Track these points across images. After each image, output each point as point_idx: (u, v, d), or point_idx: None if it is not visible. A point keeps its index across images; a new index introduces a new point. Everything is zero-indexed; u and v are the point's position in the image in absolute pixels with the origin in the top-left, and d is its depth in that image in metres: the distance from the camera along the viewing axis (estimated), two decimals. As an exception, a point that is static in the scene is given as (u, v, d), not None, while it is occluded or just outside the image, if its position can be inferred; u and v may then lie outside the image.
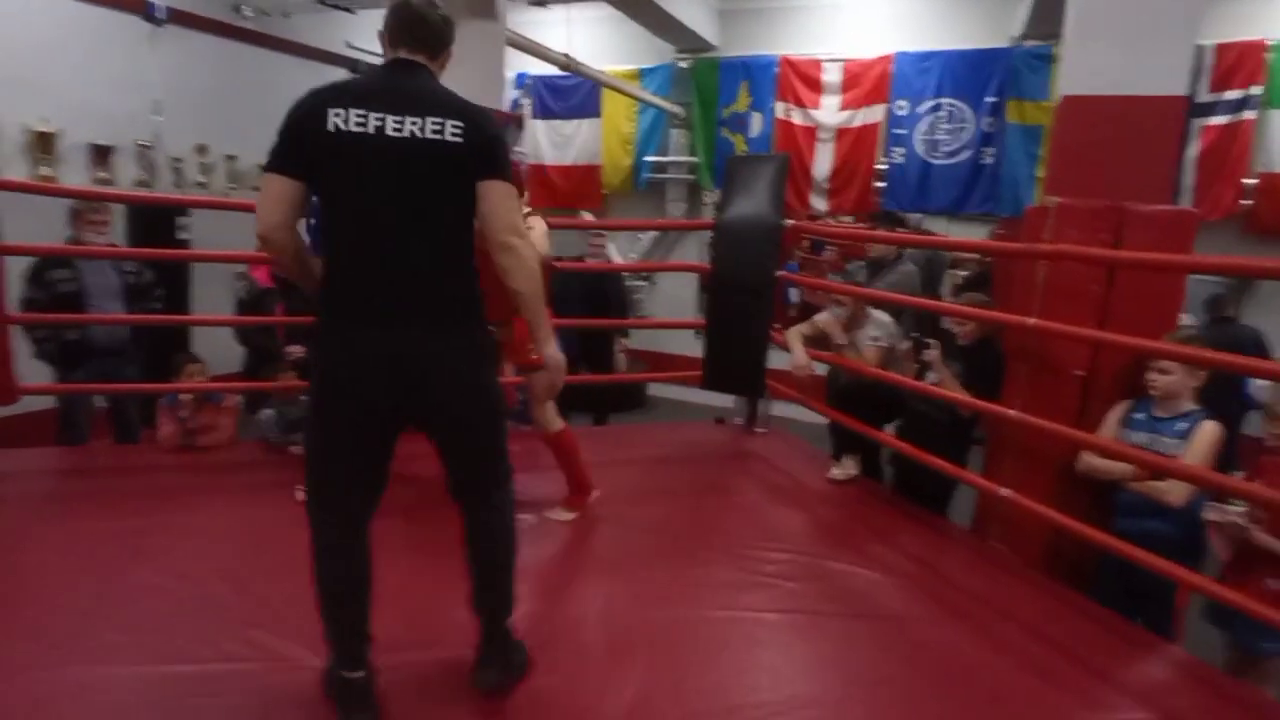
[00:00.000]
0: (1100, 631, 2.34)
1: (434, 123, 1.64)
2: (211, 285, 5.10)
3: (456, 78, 4.09)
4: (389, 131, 1.62)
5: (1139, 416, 2.58)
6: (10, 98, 4.66)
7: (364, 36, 6.85)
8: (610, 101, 7.72)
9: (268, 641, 2.01)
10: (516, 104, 7.89)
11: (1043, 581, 2.66)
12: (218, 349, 4.22)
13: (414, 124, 1.63)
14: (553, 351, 1.91)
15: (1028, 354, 2.89)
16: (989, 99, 6.45)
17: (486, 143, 1.71)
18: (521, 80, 7.92)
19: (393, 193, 1.65)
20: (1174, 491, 2.37)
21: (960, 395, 3.00)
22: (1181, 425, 2.47)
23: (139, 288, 3.85)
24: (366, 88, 1.72)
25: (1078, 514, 2.53)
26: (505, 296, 1.80)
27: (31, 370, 3.47)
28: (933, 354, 3.11)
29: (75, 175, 5.08)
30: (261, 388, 3.68)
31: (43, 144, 4.88)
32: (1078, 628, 2.35)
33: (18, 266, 3.41)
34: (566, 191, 8.00)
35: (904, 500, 3.32)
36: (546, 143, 8.05)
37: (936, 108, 6.64)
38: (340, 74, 6.89)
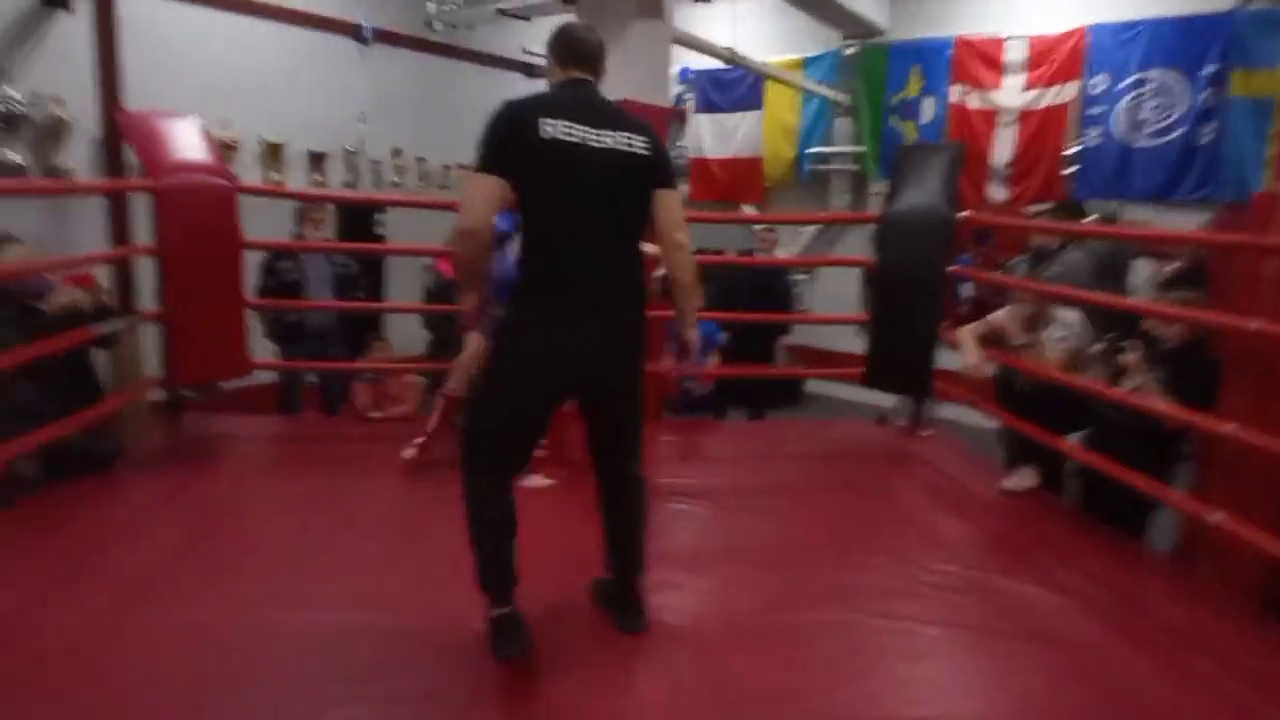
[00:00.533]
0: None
1: (625, 137, 1.89)
2: (404, 276, 5.62)
3: (626, 76, 4.26)
4: (591, 143, 1.85)
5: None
6: (249, 115, 5.37)
7: (537, 42, 7.22)
8: (773, 93, 7.63)
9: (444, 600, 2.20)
10: (680, 99, 8.00)
11: (1257, 620, 2.36)
12: (407, 333, 4.69)
13: (610, 137, 1.87)
14: (694, 335, 2.18)
15: (1250, 362, 2.53)
16: (1207, 70, 5.70)
17: (664, 157, 1.99)
18: (685, 75, 8.01)
19: (596, 196, 1.87)
20: None
21: (1163, 405, 2.71)
22: None
23: (346, 278, 4.34)
24: (567, 103, 1.91)
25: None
26: None
27: (257, 348, 4.02)
28: (1132, 357, 2.83)
29: (297, 179, 5.78)
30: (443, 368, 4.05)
31: (273, 153, 5.58)
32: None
33: (253, 259, 3.96)
34: (728, 184, 8.02)
35: (1091, 518, 3.05)
36: (709, 136, 8.10)
37: (1140, 83, 5.97)
38: (515, 78, 7.31)
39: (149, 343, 3.57)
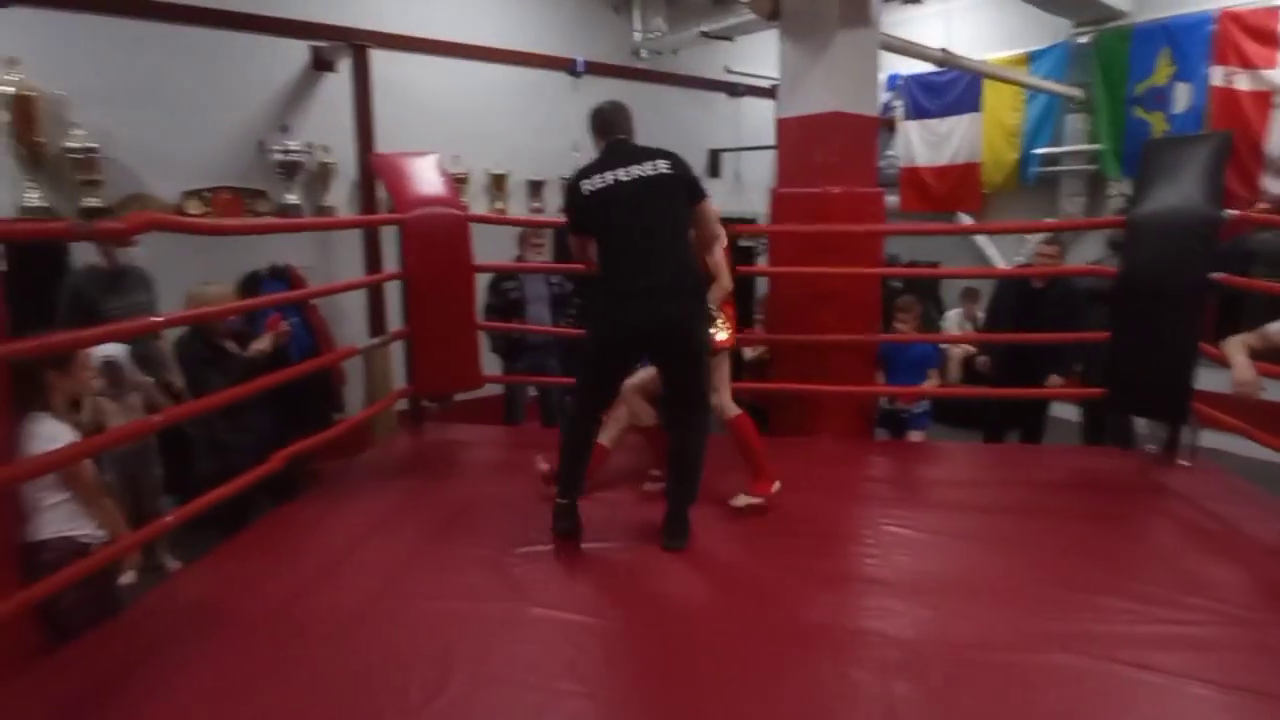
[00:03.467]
0: None
1: (650, 165, 2.57)
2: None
3: (830, 89, 4.21)
4: (621, 179, 2.56)
5: None
6: (476, 150, 5.94)
7: (741, 60, 7.32)
8: (992, 93, 7.12)
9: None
10: (888, 107, 7.71)
11: None
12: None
13: (638, 169, 2.57)
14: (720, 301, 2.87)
15: None
16: None
17: (687, 173, 2.64)
18: (893, 81, 7.72)
19: (634, 214, 2.56)
20: None
21: None
22: None
23: (561, 296, 4.65)
24: (600, 162, 2.63)
25: None
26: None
27: (488, 363, 4.41)
28: None
29: (518, 207, 6.29)
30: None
31: (497, 183, 6.13)
32: None
33: (482, 279, 4.35)
34: (942, 193, 7.59)
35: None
36: (920, 143, 7.72)
37: None
38: (719, 98, 7.45)
39: (397, 359, 4.07)
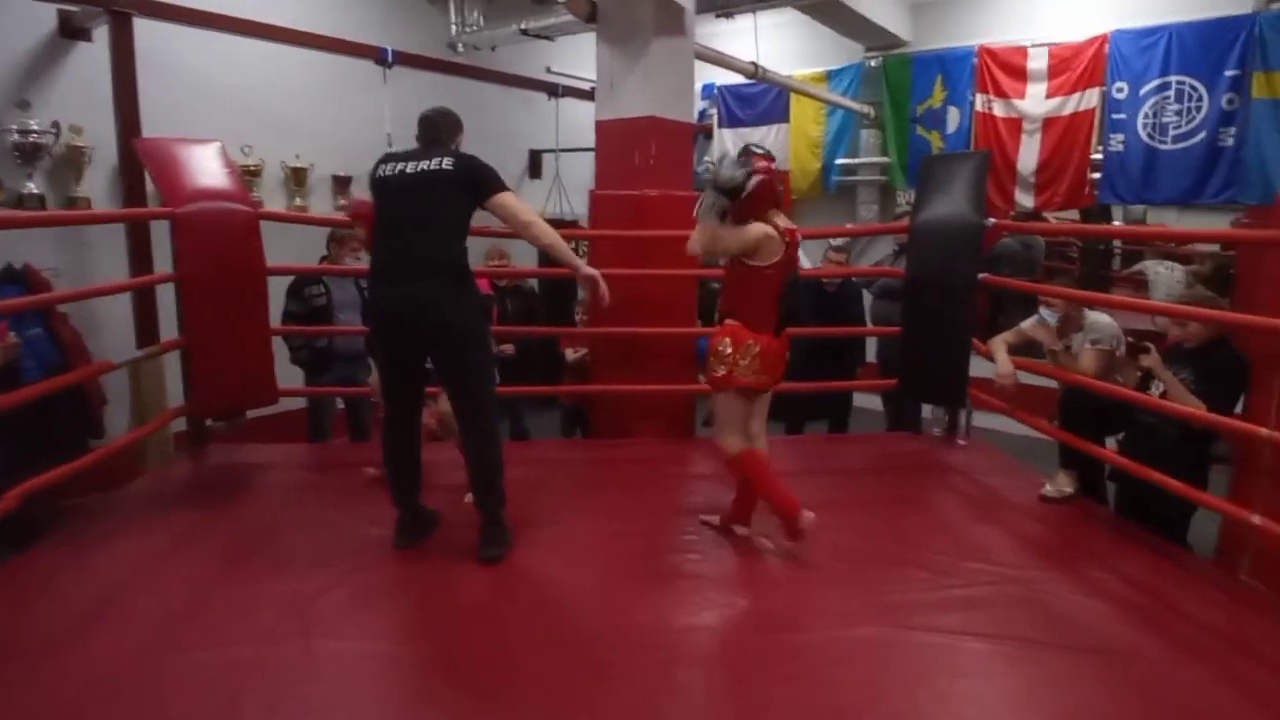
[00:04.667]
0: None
1: (437, 162, 2.60)
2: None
3: (648, 93, 4.26)
4: (407, 170, 2.61)
5: None
6: (272, 139, 5.44)
7: (562, 61, 7.30)
8: (798, 106, 7.61)
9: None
10: (704, 114, 8.01)
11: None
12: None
13: (425, 164, 2.60)
14: (590, 271, 2.86)
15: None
16: (1229, 73, 5.61)
17: (471, 171, 2.62)
18: (708, 91, 8.03)
19: (410, 204, 2.60)
20: None
21: (1193, 405, 2.68)
22: None
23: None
24: (401, 154, 2.68)
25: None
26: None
27: (287, 374, 4.03)
28: (1151, 359, 2.79)
29: (323, 204, 5.85)
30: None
31: (296, 178, 5.66)
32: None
33: (278, 283, 3.96)
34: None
35: (1130, 523, 2.99)
36: (734, 151, 8.09)
37: (1163, 88, 5.89)
38: (540, 98, 7.37)
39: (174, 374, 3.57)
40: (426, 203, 2.58)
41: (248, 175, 5.25)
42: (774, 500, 2.66)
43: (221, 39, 5.24)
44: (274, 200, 5.57)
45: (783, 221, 2.70)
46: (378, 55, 6.02)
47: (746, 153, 2.72)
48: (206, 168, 3.51)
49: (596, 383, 4.25)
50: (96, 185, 4.64)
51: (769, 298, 2.65)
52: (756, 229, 2.62)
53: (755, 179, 2.58)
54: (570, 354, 4.51)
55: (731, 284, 2.74)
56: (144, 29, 4.56)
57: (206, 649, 2.06)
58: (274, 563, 2.58)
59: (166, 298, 3.65)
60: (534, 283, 5.41)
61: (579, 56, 7.11)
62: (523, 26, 6.23)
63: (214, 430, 3.88)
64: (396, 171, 2.62)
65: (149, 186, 4.30)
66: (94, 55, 4.48)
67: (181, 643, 2.09)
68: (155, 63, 4.64)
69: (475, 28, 6.46)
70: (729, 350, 2.62)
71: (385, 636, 2.18)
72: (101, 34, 4.43)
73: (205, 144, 3.61)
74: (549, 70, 7.30)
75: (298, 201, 5.67)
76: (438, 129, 2.76)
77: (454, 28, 6.50)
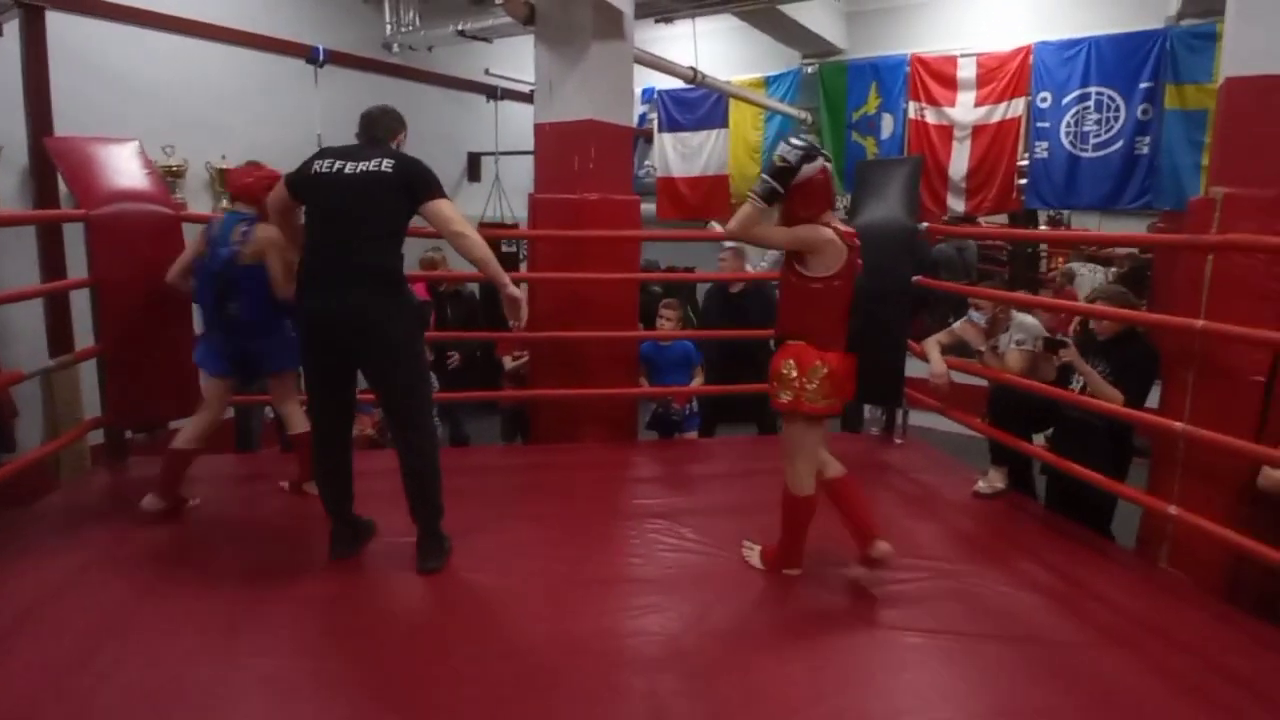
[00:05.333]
0: (1295, 668, 2.09)
1: (376, 164, 2.46)
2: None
3: (587, 97, 4.25)
4: (346, 170, 2.46)
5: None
6: (196, 139, 5.25)
7: (501, 63, 7.22)
8: (737, 111, 7.71)
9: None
10: (644, 119, 8.03)
11: (1223, 610, 2.42)
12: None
13: (364, 165, 2.46)
14: (514, 292, 2.60)
15: (1193, 358, 2.64)
16: (1143, 85, 5.92)
17: (411, 175, 2.49)
18: (648, 95, 8.06)
19: (342, 202, 2.47)
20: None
21: (1111, 396, 2.80)
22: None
23: None
24: (339, 150, 2.54)
25: (1263, 536, 2.28)
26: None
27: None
28: (1069, 352, 2.90)
29: (251, 206, 5.65)
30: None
31: (221, 179, 5.45)
32: (1266, 662, 2.11)
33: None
34: (695, 203, 8.04)
35: (1058, 516, 3.10)
36: (674, 155, 8.13)
37: (1083, 98, 6.17)
38: (479, 100, 7.28)
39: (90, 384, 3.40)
40: (363, 206, 2.45)
41: (170, 176, 5.06)
42: (795, 545, 2.52)
43: (142, 34, 5.03)
44: (199, 202, 5.37)
45: (839, 224, 2.40)
46: (309, 54, 5.87)
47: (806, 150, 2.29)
48: (124, 168, 3.36)
49: (537, 387, 4.21)
50: (6, 186, 4.42)
51: (836, 311, 2.39)
52: (820, 232, 2.32)
53: (814, 164, 2.26)
54: (509, 361, 4.45)
55: (790, 298, 2.43)
56: (58, 23, 4.37)
57: (127, 671, 1.96)
58: (199, 579, 2.46)
59: (81, 304, 3.46)
60: (475, 287, 5.32)
61: (518, 59, 7.05)
62: (460, 28, 6.15)
63: (133, 442, 3.70)
64: (334, 170, 2.47)
65: (62, 188, 4.10)
66: (4, 50, 4.26)
67: (101, 665, 1.98)
68: (69, 58, 4.43)
69: (411, 28, 6.35)
70: (794, 374, 2.33)
71: (318, 653, 2.11)
72: (12, 28, 4.22)
73: (122, 143, 3.46)
74: (487, 72, 7.23)
75: (224, 204, 5.46)
76: (378, 126, 2.64)
77: (389, 28, 6.38)
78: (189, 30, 5.26)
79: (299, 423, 3.03)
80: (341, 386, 2.59)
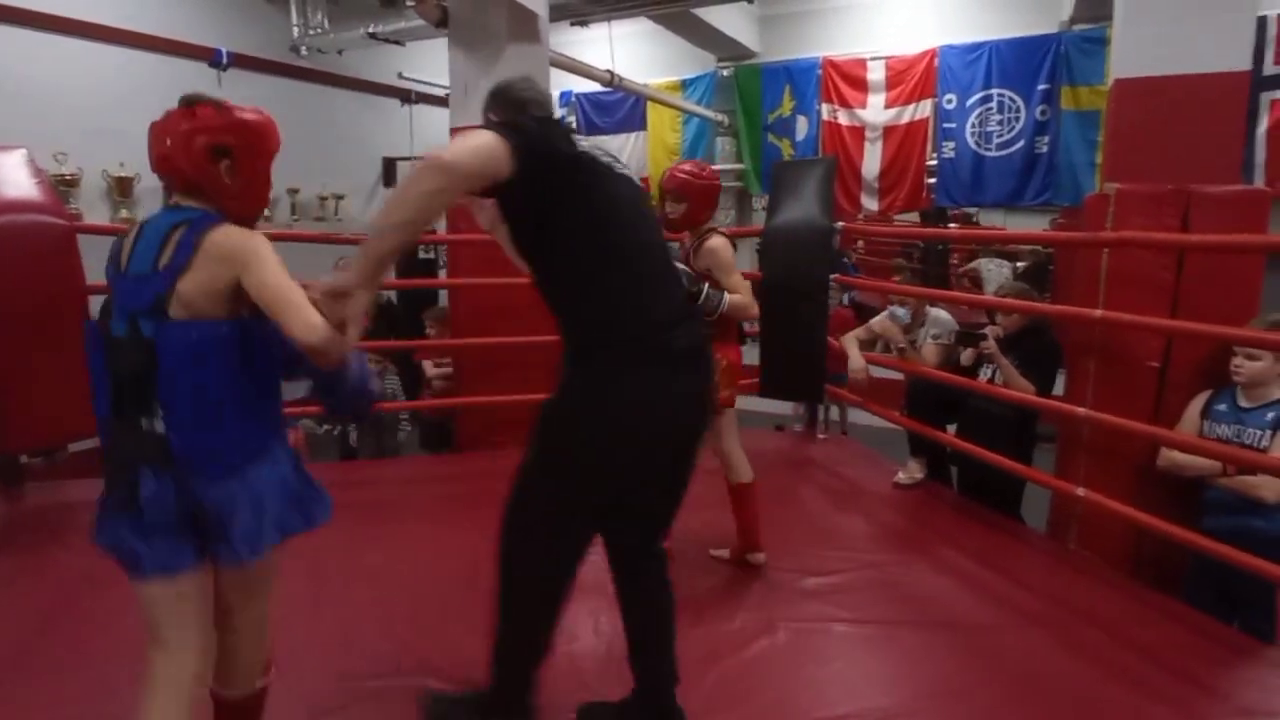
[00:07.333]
0: (1195, 637, 2.23)
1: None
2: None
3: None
4: (615, 166, 1.61)
5: (1221, 408, 2.45)
6: (91, 146, 4.94)
7: (415, 67, 7.06)
8: (655, 114, 7.76)
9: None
10: (563, 122, 8.00)
11: (1128, 585, 2.56)
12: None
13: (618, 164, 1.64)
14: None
15: (1094, 347, 2.79)
16: (1041, 87, 6.26)
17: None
18: (566, 98, 8.03)
19: (639, 218, 1.63)
20: (1267, 486, 2.24)
21: (1025, 387, 2.93)
22: (1271, 414, 2.35)
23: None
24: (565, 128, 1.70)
25: (1162, 512, 2.42)
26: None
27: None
28: (990, 345, 3.03)
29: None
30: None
31: (121, 187, 5.16)
32: (1169, 633, 2.24)
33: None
34: (615, 206, 8.07)
35: (971, 503, 3.22)
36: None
37: (986, 99, 6.47)
38: (394, 104, 7.11)
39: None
40: (653, 228, 1.67)
41: (62, 185, 4.76)
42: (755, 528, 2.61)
43: (29, 36, 4.72)
44: (97, 212, 5.06)
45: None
46: (211, 57, 5.61)
47: None
48: (10, 177, 3.13)
49: (461, 394, 4.13)
50: None
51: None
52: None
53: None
54: (430, 368, 4.36)
55: None
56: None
57: (32, 712, 1.83)
58: (106, 612, 2.30)
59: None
60: (392, 294, 5.19)
61: (432, 62, 6.91)
62: (371, 30, 5.98)
63: (30, 466, 3.46)
64: (605, 160, 1.58)
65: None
66: None
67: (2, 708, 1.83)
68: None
69: (319, 30, 6.14)
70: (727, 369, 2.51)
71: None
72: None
73: (8, 151, 3.23)
74: (401, 76, 7.07)
75: (124, 214, 5.18)
76: (532, 102, 1.74)
77: (296, 30, 6.15)
78: (81, 32, 4.96)
79: None
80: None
